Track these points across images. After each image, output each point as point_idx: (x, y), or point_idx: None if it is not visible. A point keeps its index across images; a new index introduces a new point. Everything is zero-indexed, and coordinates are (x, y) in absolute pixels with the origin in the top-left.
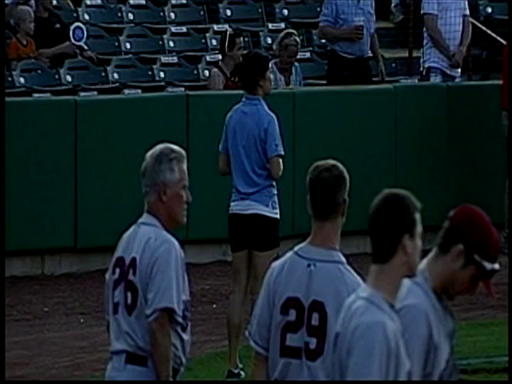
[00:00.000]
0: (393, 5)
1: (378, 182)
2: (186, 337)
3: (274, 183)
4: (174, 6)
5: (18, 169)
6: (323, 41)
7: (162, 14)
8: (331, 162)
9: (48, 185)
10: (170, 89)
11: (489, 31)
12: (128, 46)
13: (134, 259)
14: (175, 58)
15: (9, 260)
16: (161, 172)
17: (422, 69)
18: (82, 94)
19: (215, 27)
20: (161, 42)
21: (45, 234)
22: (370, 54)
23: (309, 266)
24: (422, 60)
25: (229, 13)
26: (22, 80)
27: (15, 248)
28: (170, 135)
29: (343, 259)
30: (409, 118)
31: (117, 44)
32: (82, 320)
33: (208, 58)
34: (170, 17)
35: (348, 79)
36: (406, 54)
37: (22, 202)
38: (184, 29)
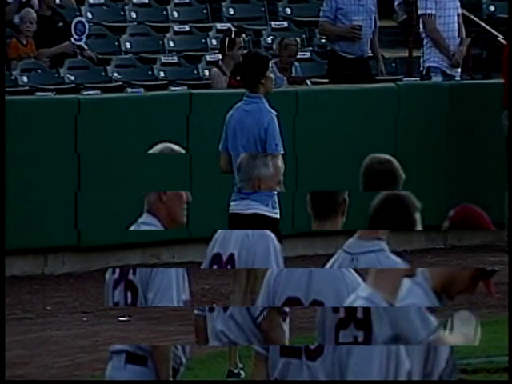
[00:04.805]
0: (396, 3)
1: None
2: None
3: None
4: (176, 4)
5: (20, 167)
6: (323, 40)
7: (164, 12)
8: (387, 156)
9: (50, 183)
10: (172, 87)
11: (492, 30)
12: (128, 45)
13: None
14: (175, 57)
15: (11, 259)
16: None
17: (422, 68)
18: (85, 92)
19: (218, 26)
20: (161, 42)
21: (47, 232)
22: (370, 54)
23: (352, 260)
24: (422, 60)
25: (232, 11)
26: (24, 79)
27: (17, 247)
28: (173, 134)
29: (386, 247)
30: (411, 117)
31: (117, 43)
32: (84, 319)
33: (208, 58)
34: (172, 15)
35: (348, 79)
36: (406, 54)
37: (25, 200)
38: (187, 27)
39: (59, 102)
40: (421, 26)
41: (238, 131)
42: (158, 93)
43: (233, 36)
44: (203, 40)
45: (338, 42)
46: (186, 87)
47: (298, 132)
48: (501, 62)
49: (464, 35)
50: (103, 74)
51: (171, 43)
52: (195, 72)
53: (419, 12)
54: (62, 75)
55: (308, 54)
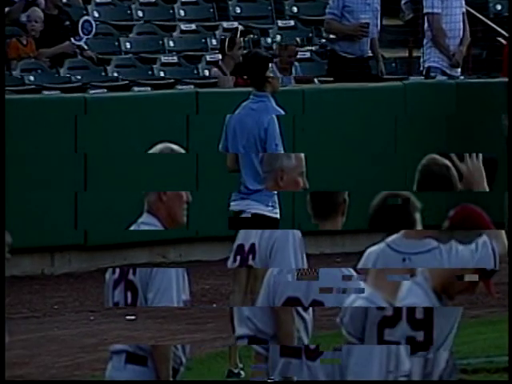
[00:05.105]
0: (403, 2)
1: (386, 180)
2: None
3: None
4: (183, 3)
5: (27, 166)
6: (323, 40)
7: (171, 11)
8: (447, 161)
9: (55, 182)
10: (179, 86)
11: (499, 28)
12: (128, 45)
13: None
14: (175, 57)
15: (18, 258)
16: None
17: (422, 68)
18: (92, 91)
19: (224, 24)
20: (161, 42)
21: (54, 231)
22: (370, 54)
23: (404, 260)
24: (422, 60)
25: (238, 10)
26: (31, 78)
27: (24, 245)
28: (178, 133)
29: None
30: (417, 116)
31: (117, 43)
32: (91, 317)
33: (208, 58)
34: (179, 14)
35: (348, 79)
36: (406, 54)
37: (30, 199)
38: (193, 26)
39: (65, 100)
40: (426, 24)
41: (238, 131)
42: (164, 92)
43: (238, 36)
44: (203, 40)
45: (338, 42)
46: (192, 86)
47: (306, 131)
48: (501, 61)
49: (468, 34)
50: (103, 73)
51: (171, 43)
52: (195, 72)
53: (425, 10)
54: (62, 75)
55: (308, 54)
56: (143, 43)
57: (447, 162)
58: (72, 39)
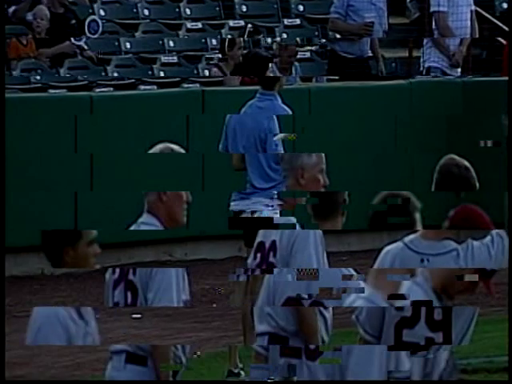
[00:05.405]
0: (408, 0)
1: (392, 179)
2: None
3: None
4: (189, 1)
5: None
6: (323, 40)
7: (177, 9)
8: (466, 162)
9: (63, 182)
10: (185, 85)
11: (505, 27)
12: (128, 45)
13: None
14: (175, 57)
15: (23, 256)
16: None
17: (421, 68)
18: (98, 90)
19: (231, 23)
20: (161, 42)
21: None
22: (370, 54)
23: (422, 260)
24: (422, 60)
25: (244, 8)
26: (38, 77)
27: (32, 244)
28: (184, 131)
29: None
30: (424, 114)
31: (117, 43)
32: (97, 316)
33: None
34: (185, 12)
35: (348, 79)
36: (406, 54)
37: (34, 199)
38: (199, 25)
39: (72, 99)
40: (433, 23)
41: (238, 131)
42: (170, 90)
43: (246, 36)
44: (203, 40)
45: (338, 42)
46: (198, 85)
47: (312, 129)
48: (501, 61)
49: (477, 33)
50: (103, 73)
51: (171, 43)
52: (195, 72)
53: (431, 9)
54: (62, 75)
55: (308, 54)
56: (143, 43)
57: (466, 163)
58: (72, 39)
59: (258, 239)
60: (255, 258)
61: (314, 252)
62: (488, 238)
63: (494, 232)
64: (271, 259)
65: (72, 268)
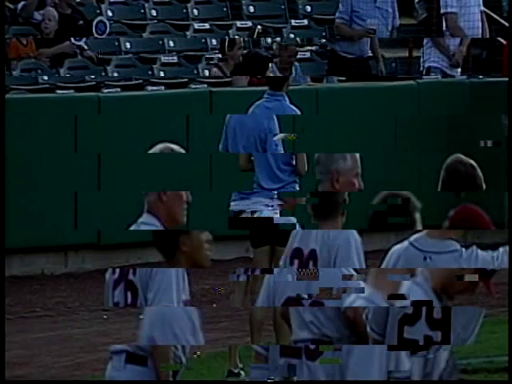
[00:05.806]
0: (416, 1)
1: (399, 179)
2: None
3: (298, 179)
4: (197, 2)
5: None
6: (323, 40)
7: (184, 10)
8: (472, 161)
9: (71, 182)
10: (192, 85)
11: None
12: (128, 45)
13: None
14: (175, 57)
15: (32, 257)
16: None
17: (422, 68)
18: (106, 90)
19: (238, 24)
20: (160, 42)
21: (67, 230)
22: (370, 54)
23: (425, 258)
24: (422, 60)
25: (252, 9)
26: (45, 77)
27: (39, 244)
28: (192, 132)
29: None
30: (431, 115)
31: (117, 43)
32: (105, 316)
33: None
34: (193, 13)
35: (348, 79)
36: (406, 54)
37: (42, 198)
38: (207, 25)
39: (80, 99)
40: (444, 24)
41: (238, 131)
42: (178, 91)
43: (255, 36)
44: (203, 40)
45: (338, 42)
46: (205, 85)
47: (319, 130)
48: (501, 61)
49: (488, 33)
50: (103, 74)
51: (171, 43)
52: (195, 72)
53: (441, 11)
54: (62, 75)
55: (308, 54)
56: (143, 43)
57: (473, 162)
58: (72, 39)
59: (294, 245)
60: (292, 263)
61: (357, 260)
62: (495, 253)
63: (502, 249)
64: (311, 267)
65: (188, 259)
